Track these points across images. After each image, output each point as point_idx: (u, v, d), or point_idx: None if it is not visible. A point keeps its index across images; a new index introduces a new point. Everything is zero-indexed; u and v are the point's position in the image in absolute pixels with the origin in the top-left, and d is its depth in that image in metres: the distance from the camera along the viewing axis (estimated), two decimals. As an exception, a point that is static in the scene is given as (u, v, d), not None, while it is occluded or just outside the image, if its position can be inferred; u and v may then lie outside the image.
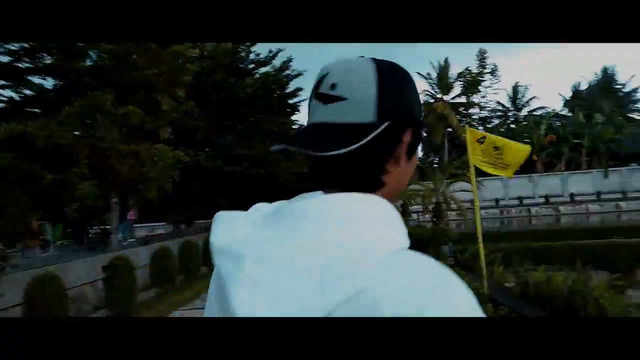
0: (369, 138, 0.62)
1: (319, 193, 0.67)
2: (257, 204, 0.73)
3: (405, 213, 14.78)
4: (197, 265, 9.83)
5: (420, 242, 8.80)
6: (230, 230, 0.68)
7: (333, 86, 0.66)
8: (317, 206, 0.61)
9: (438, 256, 8.79)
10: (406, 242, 0.61)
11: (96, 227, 18.26)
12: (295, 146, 0.66)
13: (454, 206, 12.25)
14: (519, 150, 6.58)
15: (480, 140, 6.67)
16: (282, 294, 0.55)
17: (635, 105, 53.94)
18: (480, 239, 6.53)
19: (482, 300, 5.22)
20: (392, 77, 0.67)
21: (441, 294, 0.55)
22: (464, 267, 9.12)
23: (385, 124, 0.64)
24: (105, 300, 7.04)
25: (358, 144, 0.61)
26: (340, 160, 0.62)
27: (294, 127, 22.79)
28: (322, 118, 0.66)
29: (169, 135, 15.45)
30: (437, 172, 12.80)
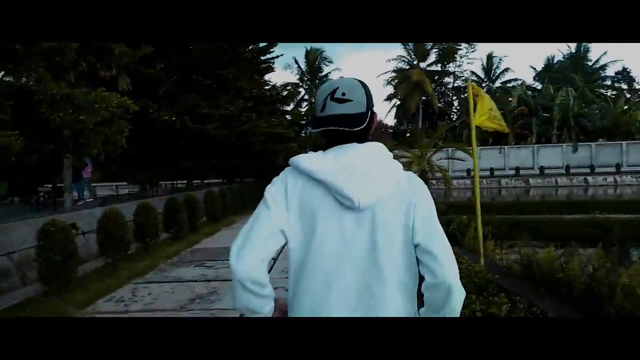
0: (367, 120, 1.40)
1: (355, 144, 1.41)
2: (314, 153, 1.44)
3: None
4: (156, 231, 8.70)
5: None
6: (317, 161, 1.38)
7: (344, 94, 1.38)
8: (367, 148, 1.41)
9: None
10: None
11: (47, 185, 16.76)
12: (334, 126, 1.37)
13: (438, 174, 11.51)
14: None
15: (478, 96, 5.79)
16: (370, 186, 1.32)
17: (604, 82, 54.54)
18: (478, 212, 5.70)
19: (492, 288, 4.40)
20: (367, 88, 1.43)
21: (425, 190, 1.42)
22: (451, 240, 8.38)
23: (369, 112, 1.41)
24: (37, 274, 5.88)
25: (365, 123, 1.40)
26: (357, 131, 1.38)
27: (266, 87, 21.25)
28: (340, 111, 1.38)
29: (128, 86, 13.92)
30: (423, 139, 11.96)
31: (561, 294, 4.65)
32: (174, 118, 14.21)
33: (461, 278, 4.53)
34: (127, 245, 7.48)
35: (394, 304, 1.37)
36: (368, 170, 1.35)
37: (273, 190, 1.41)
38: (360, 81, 1.43)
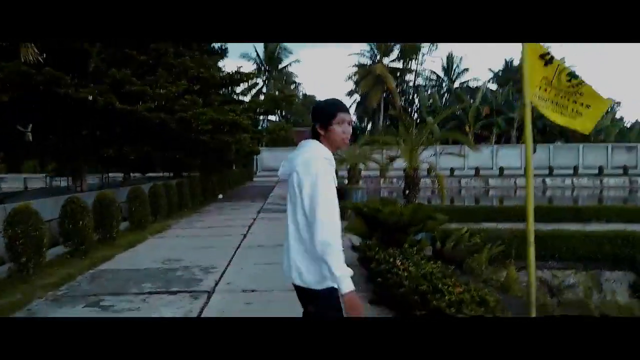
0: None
1: (306, 140, 2.27)
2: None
3: (352, 179, 11.77)
4: (38, 247, 6.06)
5: (396, 227, 5.73)
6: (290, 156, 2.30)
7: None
8: (305, 143, 2.24)
9: (417, 246, 5.83)
10: (327, 152, 2.19)
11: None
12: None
13: (424, 173, 9.43)
14: (599, 99, 3.65)
15: (546, 58, 3.65)
16: (286, 166, 2.26)
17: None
18: (531, 230, 3.58)
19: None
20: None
21: (313, 170, 2.09)
22: (449, 261, 6.30)
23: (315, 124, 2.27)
24: None
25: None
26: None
27: (221, 73, 18.33)
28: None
29: (37, 56, 10.99)
30: (414, 132, 9.74)
31: None
32: (97, 96, 11.32)
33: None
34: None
35: (293, 248, 2.15)
36: (295, 156, 2.21)
37: None
38: None
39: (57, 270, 6.24)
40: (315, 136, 2.20)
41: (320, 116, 2.21)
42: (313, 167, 2.07)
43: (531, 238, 3.60)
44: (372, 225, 5.93)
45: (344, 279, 1.90)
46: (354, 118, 56.11)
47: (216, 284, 5.69)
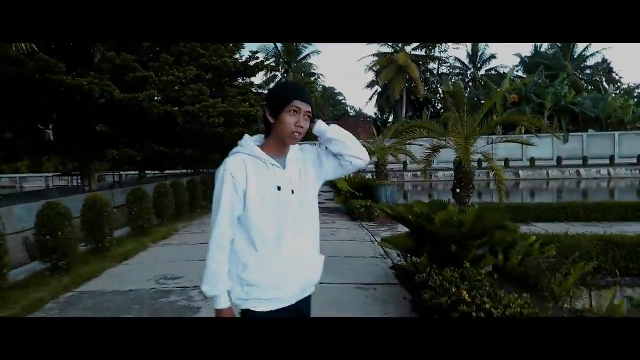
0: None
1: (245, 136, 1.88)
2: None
3: (380, 175, 10.48)
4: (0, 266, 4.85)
5: (454, 240, 4.33)
6: None
7: None
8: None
9: (481, 263, 4.43)
10: (246, 148, 1.80)
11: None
12: None
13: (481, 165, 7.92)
14: None
15: None
16: None
17: (585, 71, 52.22)
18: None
19: None
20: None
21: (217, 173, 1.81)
22: (516, 281, 4.90)
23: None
24: None
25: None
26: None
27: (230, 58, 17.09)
28: None
29: (28, 46, 9.85)
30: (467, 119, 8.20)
31: None
32: (93, 84, 10.10)
33: None
34: None
35: None
36: None
37: None
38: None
39: (25, 294, 5.03)
40: (268, 127, 1.82)
41: (273, 101, 1.79)
42: (219, 169, 1.79)
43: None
44: (420, 236, 4.56)
45: (210, 297, 1.76)
46: (374, 110, 54.53)
47: (218, 316, 4.39)
